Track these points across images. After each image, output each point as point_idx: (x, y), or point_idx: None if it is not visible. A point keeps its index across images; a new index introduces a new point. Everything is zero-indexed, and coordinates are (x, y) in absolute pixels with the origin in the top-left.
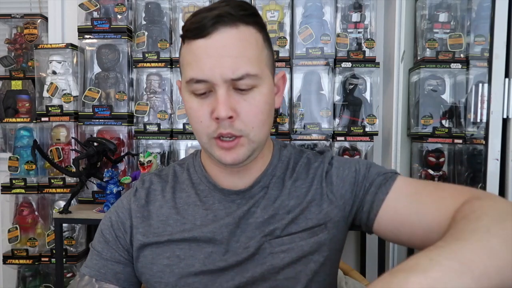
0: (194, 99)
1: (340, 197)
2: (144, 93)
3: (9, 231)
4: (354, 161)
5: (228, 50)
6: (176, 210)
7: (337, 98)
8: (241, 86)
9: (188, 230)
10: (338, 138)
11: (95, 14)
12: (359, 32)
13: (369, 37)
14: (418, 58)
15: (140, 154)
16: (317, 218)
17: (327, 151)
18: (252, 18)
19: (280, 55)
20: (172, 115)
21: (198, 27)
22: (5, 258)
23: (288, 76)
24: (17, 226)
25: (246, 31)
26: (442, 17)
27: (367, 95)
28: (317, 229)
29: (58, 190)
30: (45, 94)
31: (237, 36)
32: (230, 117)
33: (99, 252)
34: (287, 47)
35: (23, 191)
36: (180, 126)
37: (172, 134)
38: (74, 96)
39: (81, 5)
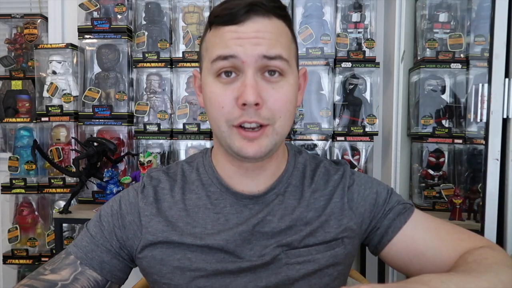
0: (217, 83)
1: (359, 214)
2: (144, 93)
3: (9, 231)
4: (375, 182)
5: (261, 34)
6: (186, 212)
7: (337, 98)
8: (272, 68)
9: (199, 235)
10: (338, 138)
11: (95, 14)
12: (359, 32)
13: (369, 37)
14: (418, 58)
15: (140, 154)
16: (335, 232)
17: (344, 163)
18: (283, 11)
19: None
20: (172, 115)
21: (229, 13)
22: (5, 258)
23: None
24: (17, 226)
25: (278, 23)
26: (442, 17)
27: (367, 95)
28: (334, 243)
29: (58, 190)
30: (45, 94)
31: (270, 25)
32: (257, 104)
33: (92, 235)
34: None
35: (23, 191)
36: (180, 126)
37: (172, 134)
38: (74, 96)
39: (81, 5)
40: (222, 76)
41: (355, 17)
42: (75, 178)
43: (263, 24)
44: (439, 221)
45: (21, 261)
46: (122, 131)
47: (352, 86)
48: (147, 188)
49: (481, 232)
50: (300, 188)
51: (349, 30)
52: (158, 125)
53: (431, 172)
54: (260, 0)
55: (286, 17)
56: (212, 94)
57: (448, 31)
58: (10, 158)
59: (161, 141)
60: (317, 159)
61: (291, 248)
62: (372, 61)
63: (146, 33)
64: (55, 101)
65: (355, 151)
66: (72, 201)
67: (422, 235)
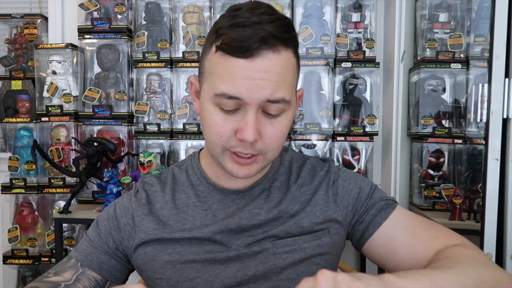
0: (219, 112)
1: (343, 207)
2: (144, 93)
3: (9, 231)
4: (360, 178)
5: (269, 75)
6: (177, 211)
7: (337, 98)
8: (272, 110)
9: (188, 230)
10: (338, 138)
11: (95, 14)
12: (359, 32)
13: (369, 37)
14: (418, 58)
15: (140, 154)
16: (321, 223)
17: (330, 160)
18: (292, 39)
19: None
20: (172, 115)
21: (240, 46)
22: (5, 258)
23: None
24: (17, 226)
25: (286, 56)
26: (442, 17)
27: (367, 95)
28: (320, 233)
29: (58, 190)
30: (45, 94)
31: (279, 62)
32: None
33: (91, 240)
34: None
35: (23, 191)
36: (180, 126)
37: (172, 134)
38: (74, 96)
39: (81, 5)
40: (224, 107)
41: (355, 17)
42: (75, 178)
43: (273, 62)
44: (418, 219)
45: (21, 261)
46: (122, 131)
47: (352, 86)
48: (140, 192)
49: (481, 232)
50: (286, 183)
51: (349, 30)
52: (158, 125)
53: (431, 172)
54: (272, 31)
55: (294, 43)
56: (212, 122)
57: (448, 31)
58: (10, 158)
59: (161, 141)
60: (304, 157)
61: (278, 239)
62: (372, 61)
63: (146, 33)
64: (55, 101)
65: (355, 151)
66: (72, 201)
67: (399, 232)
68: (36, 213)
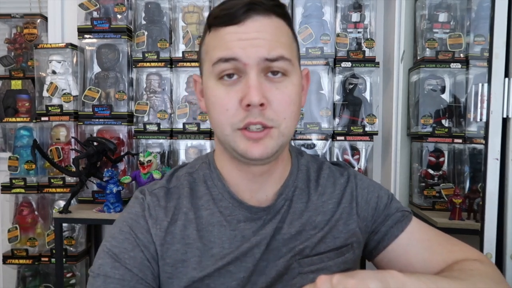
0: (220, 86)
1: (363, 218)
2: (144, 92)
3: (9, 231)
4: (377, 186)
5: (262, 34)
6: (200, 234)
7: (337, 97)
8: (274, 69)
9: (218, 255)
10: (338, 138)
11: (95, 14)
12: (359, 32)
13: (369, 37)
14: (418, 58)
15: (140, 154)
16: (344, 238)
17: (347, 166)
18: (282, 10)
19: None
20: (172, 115)
21: (228, 13)
22: (5, 258)
23: None
24: (17, 226)
25: (278, 22)
26: (442, 17)
27: (367, 94)
28: (344, 249)
29: (58, 190)
30: (45, 93)
31: (270, 24)
32: (262, 105)
33: (120, 279)
34: None
35: (23, 191)
36: (180, 126)
37: (172, 134)
38: (74, 96)
39: (81, 5)
40: (225, 78)
41: (355, 17)
42: (75, 178)
43: (263, 23)
44: (434, 232)
45: (21, 261)
46: (122, 130)
47: (352, 86)
48: (156, 211)
49: (481, 232)
50: (306, 191)
51: (349, 30)
52: (158, 124)
53: (431, 171)
54: (260, 0)
55: (286, 15)
56: (215, 98)
57: (447, 31)
58: (10, 158)
59: (161, 140)
60: (318, 160)
61: (303, 257)
62: (372, 61)
63: (146, 33)
64: (55, 100)
65: (355, 150)
66: (72, 201)
67: (415, 246)
68: (36, 213)
